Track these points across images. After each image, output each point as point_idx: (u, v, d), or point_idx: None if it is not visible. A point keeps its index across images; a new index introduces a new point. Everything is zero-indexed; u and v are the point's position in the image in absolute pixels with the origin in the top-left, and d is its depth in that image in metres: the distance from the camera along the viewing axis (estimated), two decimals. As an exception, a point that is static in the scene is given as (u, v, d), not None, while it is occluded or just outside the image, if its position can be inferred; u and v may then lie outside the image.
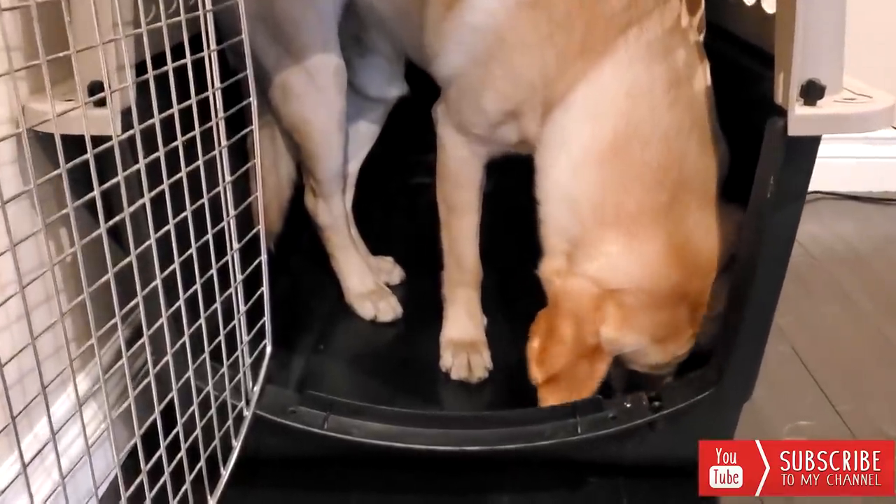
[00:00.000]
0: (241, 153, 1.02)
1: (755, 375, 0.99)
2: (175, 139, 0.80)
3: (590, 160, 0.96)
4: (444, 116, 1.10)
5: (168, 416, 0.84)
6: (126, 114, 0.77)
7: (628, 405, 0.98)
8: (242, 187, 0.97)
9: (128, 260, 0.72)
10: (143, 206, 0.76)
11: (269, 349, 1.01)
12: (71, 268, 0.76)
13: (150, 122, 0.77)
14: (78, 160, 0.67)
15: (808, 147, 0.84)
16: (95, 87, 0.76)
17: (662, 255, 0.94)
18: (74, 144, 0.70)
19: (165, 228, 0.78)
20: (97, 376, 0.86)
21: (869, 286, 1.59)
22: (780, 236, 0.89)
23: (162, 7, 0.78)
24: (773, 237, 0.88)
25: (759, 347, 0.96)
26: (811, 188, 1.99)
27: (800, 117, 0.80)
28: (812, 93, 0.80)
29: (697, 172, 0.96)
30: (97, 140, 0.72)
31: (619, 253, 0.94)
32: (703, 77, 1.00)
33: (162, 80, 0.78)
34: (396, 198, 1.71)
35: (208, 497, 0.87)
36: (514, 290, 1.33)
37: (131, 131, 0.75)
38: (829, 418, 1.18)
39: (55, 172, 0.64)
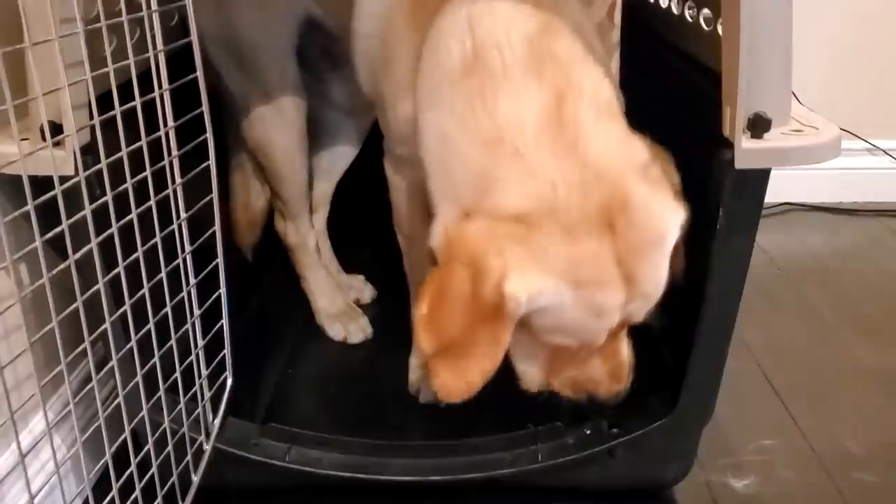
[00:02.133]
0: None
1: (714, 398, 0.99)
2: (130, 178, 0.79)
3: (446, 95, 0.83)
4: (384, 145, 1.08)
5: (127, 454, 0.83)
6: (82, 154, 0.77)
7: (588, 432, 0.98)
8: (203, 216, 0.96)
9: (74, 306, 0.71)
10: (95, 253, 0.75)
11: (229, 381, 1.00)
12: (12, 316, 0.75)
13: (99, 166, 0.76)
14: (20, 211, 0.66)
15: (756, 179, 0.84)
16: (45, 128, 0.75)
17: (561, 170, 0.75)
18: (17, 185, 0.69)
19: (116, 271, 0.77)
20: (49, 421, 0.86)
21: (834, 298, 1.59)
22: (732, 263, 0.90)
23: (107, 47, 0.77)
24: (724, 264, 0.88)
25: (716, 372, 0.97)
26: (781, 199, 2.05)
27: (746, 150, 0.80)
28: (759, 126, 0.81)
29: (585, 78, 0.80)
30: (48, 181, 0.72)
31: (509, 173, 0.77)
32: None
33: (114, 122, 0.77)
34: (369, 215, 1.70)
35: (165, 536, 0.86)
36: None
37: (77, 178, 0.74)
38: (793, 436, 1.18)
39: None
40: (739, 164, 0.80)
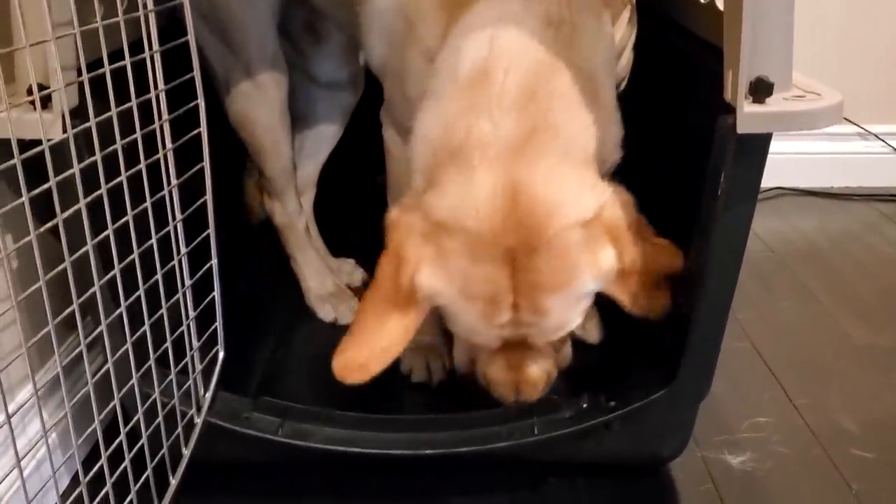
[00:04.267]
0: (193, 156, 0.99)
1: (711, 373, 0.98)
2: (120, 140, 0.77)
3: (448, 90, 0.88)
4: (385, 117, 1.07)
5: (115, 426, 0.82)
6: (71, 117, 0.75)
7: (584, 405, 0.97)
8: (193, 190, 0.94)
9: (62, 266, 0.69)
10: (84, 213, 0.73)
11: (221, 355, 0.98)
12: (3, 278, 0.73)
13: (87, 125, 0.74)
14: (5, 165, 0.64)
15: (758, 144, 0.83)
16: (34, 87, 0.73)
17: (495, 196, 0.80)
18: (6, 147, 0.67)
19: (105, 234, 0.75)
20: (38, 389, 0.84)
21: (828, 281, 1.59)
22: (732, 233, 0.88)
23: (97, 8, 0.75)
24: (725, 234, 0.87)
25: (714, 345, 0.95)
26: (773, 184, 2.06)
27: (748, 115, 0.79)
28: (760, 90, 0.79)
29: (567, 122, 0.85)
30: (33, 144, 0.69)
31: (452, 182, 0.82)
32: (596, 36, 0.94)
33: (102, 88, 0.75)
34: (358, 198, 1.68)
35: (155, 506, 0.85)
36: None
37: (64, 135, 0.71)
38: (787, 413, 1.18)
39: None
40: (742, 128, 0.79)
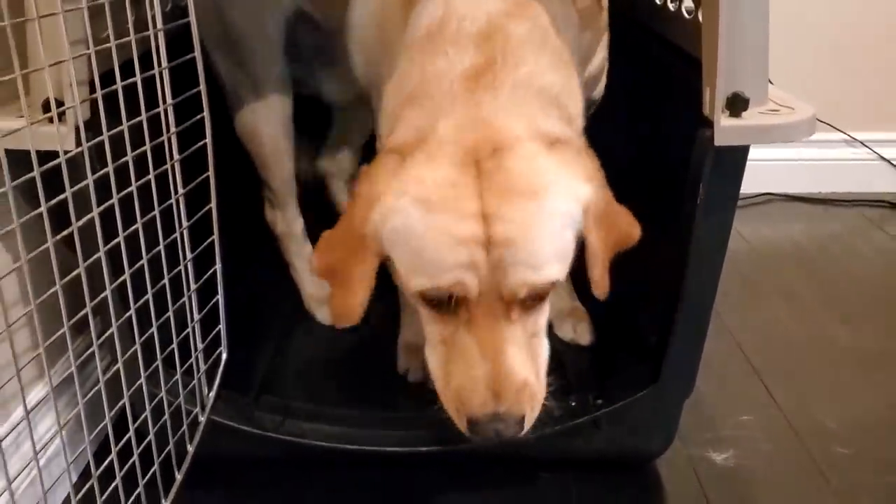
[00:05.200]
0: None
1: (694, 372, 1.02)
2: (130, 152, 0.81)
3: (406, 51, 0.87)
4: (376, 131, 1.11)
5: (124, 424, 0.86)
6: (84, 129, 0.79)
7: (573, 404, 1.01)
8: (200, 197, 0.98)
9: (77, 272, 0.74)
10: (97, 221, 0.77)
11: (224, 356, 1.03)
12: (20, 282, 0.77)
13: (102, 138, 0.78)
14: (25, 177, 0.68)
15: (735, 156, 0.87)
16: (48, 105, 0.77)
17: (454, 111, 0.77)
18: (27, 160, 0.71)
19: (115, 241, 0.79)
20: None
21: (812, 283, 1.64)
22: (712, 239, 0.93)
23: (110, 26, 0.79)
24: (705, 240, 0.91)
25: (697, 345, 1.00)
26: (762, 190, 2.10)
27: (725, 128, 0.83)
28: (737, 105, 0.84)
29: (527, 61, 0.81)
30: (50, 155, 0.74)
31: (412, 115, 0.80)
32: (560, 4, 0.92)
33: (113, 102, 0.79)
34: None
35: (162, 500, 0.89)
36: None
37: (80, 148, 0.76)
38: (770, 412, 1.22)
39: (1, 190, 0.66)
40: (719, 141, 0.84)
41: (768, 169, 2.03)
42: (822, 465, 1.10)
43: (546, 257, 0.73)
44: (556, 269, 0.74)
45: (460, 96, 0.78)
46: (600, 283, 0.80)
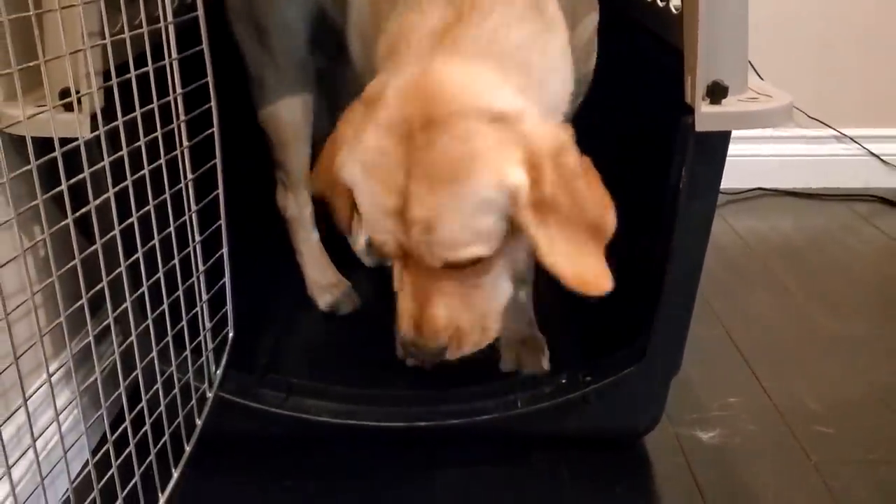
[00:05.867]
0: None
1: (680, 351, 1.06)
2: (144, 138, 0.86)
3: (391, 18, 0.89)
4: None
5: (137, 397, 0.90)
6: (96, 117, 0.83)
7: (564, 381, 1.05)
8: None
9: (93, 248, 0.78)
10: (112, 201, 0.82)
11: (231, 335, 1.07)
12: (44, 260, 0.82)
13: (116, 123, 0.83)
14: (46, 157, 0.73)
15: (716, 141, 0.92)
16: (66, 93, 0.82)
17: (410, 75, 0.78)
18: (46, 145, 0.76)
19: (129, 221, 0.84)
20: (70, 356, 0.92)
21: (801, 275, 1.68)
22: (696, 222, 0.97)
23: (124, 16, 0.84)
24: (688, 223, 0.96)
25: (682, 325, 1.04)
26: (754, 185, 2.14)
27: (705, 115, 0.88)
28: (717, 93, 0.88)
29: (494, 16, 0.82)
30: (70, 142, 0.78)
31: (383, 70, 0.84)
32: None
33: (132, 85, 0.84)
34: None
35: (172, 469, 0.93)
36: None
37: (96, 132, 0.80)
38: (756, 394, 1.26)
39: (25, 168, 0.70)
40: (700, 126, 0.88)
41: (759, 164, 2.08)
42: (804, 443, 1.14)
43: (461, 240, 0.77)
44: (474, 249, 0.78)
45: (419, 55, 0.80)
46: (566, 272, 0.78)
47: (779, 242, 1.85)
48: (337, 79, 1.40)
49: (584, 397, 1.04)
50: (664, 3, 1.10)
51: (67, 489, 0.83)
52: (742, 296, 1.59)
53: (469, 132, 0.74)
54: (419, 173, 0.74)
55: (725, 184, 2.17)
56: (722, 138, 0.93)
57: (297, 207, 1.39)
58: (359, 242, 1.52)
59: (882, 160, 2.11)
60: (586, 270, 0.78)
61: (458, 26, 0.81)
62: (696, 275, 1.01)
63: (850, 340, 1.43)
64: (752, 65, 2.02)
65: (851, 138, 2.09)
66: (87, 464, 0.84)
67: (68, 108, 0.82)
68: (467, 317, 0.84)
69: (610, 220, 0.80)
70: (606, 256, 0.81)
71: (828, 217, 2.00)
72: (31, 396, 0.72)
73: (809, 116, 2.05)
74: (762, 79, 1.95)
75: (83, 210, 0.77)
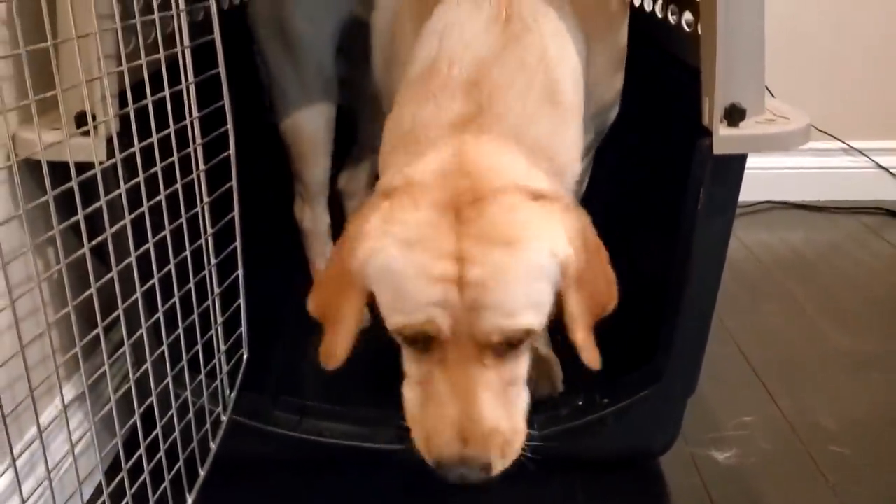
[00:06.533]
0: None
1: (697, 373, 1.05)
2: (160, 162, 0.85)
3: (402, 92, 0.89)
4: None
5: (150, 421, 0.89)
6: (111, 141, 0.82)
7: (580, 403, 1.04)
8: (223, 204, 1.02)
9: (109, 276, 0.77)
10: (129, 227, 0.80)
11: (245, 357, 1.06)
12: (59, 284, 0.80)
13: (132, 150, 0.82)
14: (63, 187, 0.71)
15: (733, 164, 0.90)
16: (81, 117, 0.81)
17: (440, 159, 0.77)
18: (63, 169, 0.75)
19: (145, 247, 0.82)
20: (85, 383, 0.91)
21: (811, 289, 1.66)
22: (712, 243, 0.95)
23: (141, 43, 0.83)
24: (705, 244, 0.94)
25: (698, 346, 1.02)
26: (763, 198, 2.12)
27: (723, 137, 0.87)
28: (734, 115, 0.87)
29: (512, 110, 0.82)
30: (84, 166, 0.77)
31: (400, 162, 0.81)
32: (554, 36, 0.90)
33: (139, 115, 0.83)
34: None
35: (187, 495, 0.91)
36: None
37: (113, 160, 0.79)
38: (771, 412, 1.24)
39: (42, 199, 0.69)
40: (717, 149, 0.87)
41: (769, 177, 2.06)
42: (820, 463, 1.12)
43: (519, 305, 0.73)
44: (529, 318, 0.74)
45: (446, 144, 0.78)
46: (585, 347, 0.79)
47: (788, 255, 1.84)
48: (357, 88, 1.40)
49: (601, 419, 1.02)
50: (676, 20, 1.09)
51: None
52: (753, 310, 1.58)
53: (517, 206, 0.74)
54: (473, 238, 0.72)
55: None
56: (739, 160, 0.91)
57: (314, 220, 1.38)
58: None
59: (891, 173, 2.09)
60: (592, 346, 0.80)
61: (481, 118, 0.81)
62: (713, 296, 1.00)
63: (862, 356, 1.41)
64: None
65: (860, 151, 2.08)
66: (100, 490, 0.83)
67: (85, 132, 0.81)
68: (506, 418, 0.76)
69: (615, 297, 0.82)
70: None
71: (837, 230, 1.98)
72: (45, 428, 0.70)
73: (819, 129, 2.04)
74: (773, 95, 1.95)
75: (99, 239, 0.76)
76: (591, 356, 0.80)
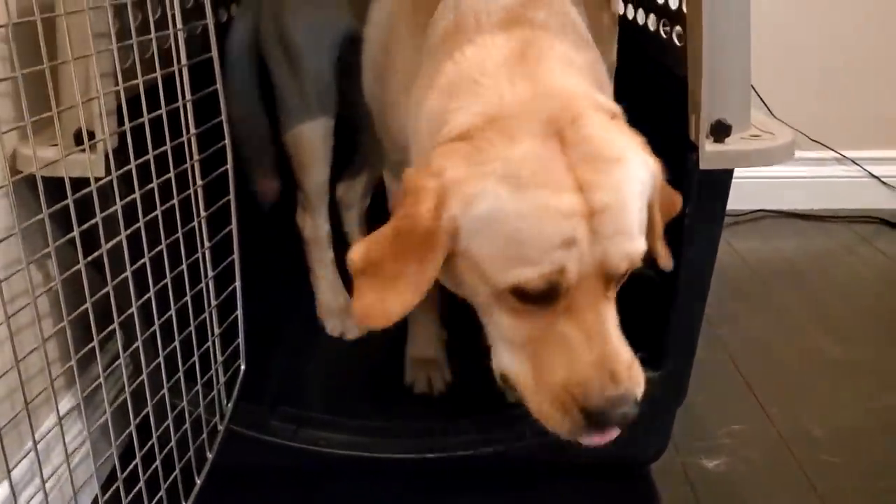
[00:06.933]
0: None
1: (686, 382, 1.05)
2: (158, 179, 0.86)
3: (431, 49, 0.86)
4: (384, 153, 1.14)
5: (148, 432, 0.89)
6: (109, 157, 0.83)
7: (571, 412, 1.04)
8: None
9: (106, 290, 0.77)
10: (126, 240, 0.81)
11: (242, 368, 1.06)
12: (56, 296, 0.81)
13: (136, 163, 0.83)
14: (59, 205, 0.72)
15: (720, 178, 0.91)
16: (79, 134, 0.82)
17: (513, 86, 0.74)
18: (61, 185, 0.76)
19: (142, 261, 0.83)
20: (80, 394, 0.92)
21: (803, 297, 1.66)
22: (700, 255, 0.96)
23: (137, 61, 0.84)
24: (692, 256, 0.94)
25: (688, 356, 1.02)
26: (756, 207, 2.12)
27: (709, 153, 0.87)
28: (720, 131, 0.87)
29: (558, 42, 0.80)
30: (82, 181, 0.78)
31: (465, 100, 0.75)
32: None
33: (147, 129, 0.84)
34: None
35: (183, 503, 0.92)
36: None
37: (110, 177, 0.80)
38: (761, 421, 1.24)
39: (38, 217, 0.70)
40: (704, 165, 0.87)
41: (761, 186, 2.06)
42: (809, 472, 1.12)
43: (638, 225, 0.70)
44: (641, 242, 0.71)
45: (514, 75, 0.74)
46: (663, 253, 0.80)
47: (781, 264, 1.84)
48: (356, 101, 1.41)
49: (591, 428, 1.02)
50: (667, 35, 1.09)
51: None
52: (744, 319, 1.58)
53: (606, 124, 0.71)
54: (586, 163, 0.67)
55: (729, 205, 2.16)
56: (726, 174, 0.92)
57: (314, 228, 1.39)
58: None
59: (882, 182, 2.09)
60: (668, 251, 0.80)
61: (535, 50, 0.77)
62: (701, 306, 1.00)
63: (852, 365, 1.41)
64: (756, 91, 2.02)
65: (852, 160, 2.08)
66: (96, 501, 0.83)
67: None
68: (629, 352, 0.71)
69: (679, 200, 0.81)
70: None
71: (829, 238, 1.98)
72: (41, 440, 0.71)
73: (811, 139, 2.04)
74: (766, 105, 1.95)
75: (95, 255, 0.76)
76: (668, 260, 0.81)
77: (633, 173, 0.70)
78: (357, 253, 0.71)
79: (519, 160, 0.67)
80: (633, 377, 0.70)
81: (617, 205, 0.67)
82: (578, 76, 0.77)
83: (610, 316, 0.70)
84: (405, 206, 0.69)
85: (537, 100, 0.71)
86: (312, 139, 1.31)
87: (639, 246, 0.70)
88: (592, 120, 0.70)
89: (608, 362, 0.68)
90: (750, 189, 2.06)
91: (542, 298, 0.68)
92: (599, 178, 0.67)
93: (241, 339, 1.05)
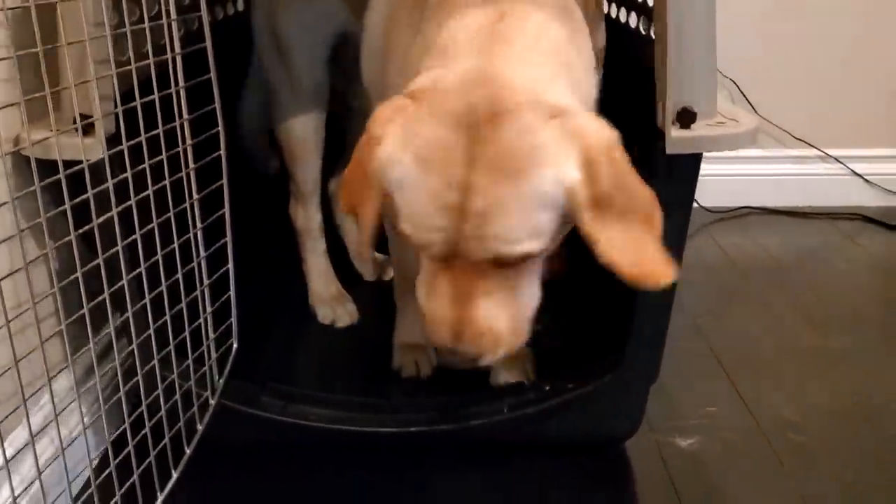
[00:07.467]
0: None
1: (658, 360, 1.07)
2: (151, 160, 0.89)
3: (435, 10, 0.89)
4: None
5: (140, 403, 0.92)
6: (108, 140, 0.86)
7: (547, 388, 1.06)
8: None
9: (96, 262, 0.80)
10: (120, 218, 0.84)
11: (234, 346, 1.09)
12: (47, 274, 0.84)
13: (122, 147, 0.86)
14: (50, 179, 0.75)
15: (687, 162, 0.93)
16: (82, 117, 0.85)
17: (465, 69, 0.77)
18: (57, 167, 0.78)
19: (132, 237, 0.86)
20: (83, 364, 0.95)
21: (786, 291, 1.67)
22: (670, 237, 0.97)
23: (131, 50, 0.87)
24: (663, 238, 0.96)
25: (659, 335, 1.04)
26: (741, 203, 2.14)
27: (675, 139, 0.89)
28: (685, 118, 0.89)
29: (535, 19, 0.82)
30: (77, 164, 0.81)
31: (427, 67, 0.81)
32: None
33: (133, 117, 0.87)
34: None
35: (172, 471, 0.94)
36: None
37: (101, 155, 0.83)
38: (735, 404, 1.26)
39: (28, 189, 0.73)
40: (669, 150, 0.89)
41: (747, 183, 2.08)
42: (779, 450, 1.14)
43: (517, 235, 0.73)
44: (527, 245, 0.74)
45: (473, 47, 0.78)
46: (624, 266, 0.74)
47: (764, 260, 1.85)
48: (347, 97, 1.43)
49: (566, 403, 1.05)
50: (635, 27, 1.11)
51: (64, 490, 0.85)
52: (726, 312, 1.59)
53: (531, 127, 0.72)
54: (483, 166, 0.71)
55: (714, 202, 2.17)
56: (692, 159, 0.94)
57: (306, 219, 1.42)
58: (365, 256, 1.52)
59: (865, 180, 2.10)
60: (644, 263, 0.75)
61: (503, 23, 0.80)
62: (671, 293, 1.02)
63: (830, 354, 1.42)
64: (740, 90, 2.02)
65: (836, 158, 2.09)
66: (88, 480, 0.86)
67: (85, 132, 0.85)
68: (504, 319, 0.78)
69: (658, 212, 0.78)
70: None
71: (813, 235, 1.99)
72: (29, 397, 0.73)
73: (795, 137, 2.06)
74: (751, 103, 1.96)
75: (86, 227, 0.79)
76: (635, 273, 0.75)
77: (528, 188, 0.72)
78: (341, 199, 0.84)
79: (432, 143, 0.73)
80: (478, 343, 0.77)
81: (494, 213, 0.71)
82: (540, 59, 0.79)
83: (481, 285, 0.76)
84: (362, 142, 0.78)
85: (471, 84, 0.74)
86: (304, 132, 1.34)
87: (514, 250, 0.73)
88: (516, 120, 0.72)
89: (459, 323, 0.77)
90: (736, 186, 2.07)
91: (431, 256, 0.77)
92: (487, 184, 0.71)
93: (233, 319, 1.08)
